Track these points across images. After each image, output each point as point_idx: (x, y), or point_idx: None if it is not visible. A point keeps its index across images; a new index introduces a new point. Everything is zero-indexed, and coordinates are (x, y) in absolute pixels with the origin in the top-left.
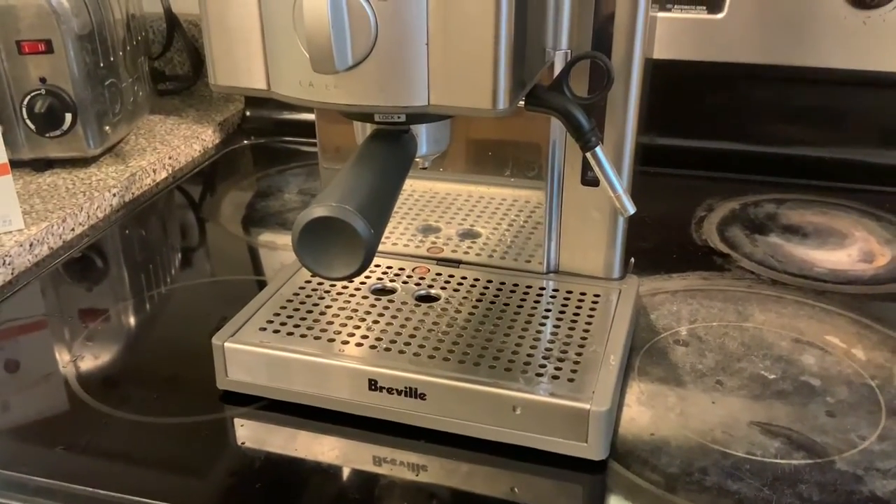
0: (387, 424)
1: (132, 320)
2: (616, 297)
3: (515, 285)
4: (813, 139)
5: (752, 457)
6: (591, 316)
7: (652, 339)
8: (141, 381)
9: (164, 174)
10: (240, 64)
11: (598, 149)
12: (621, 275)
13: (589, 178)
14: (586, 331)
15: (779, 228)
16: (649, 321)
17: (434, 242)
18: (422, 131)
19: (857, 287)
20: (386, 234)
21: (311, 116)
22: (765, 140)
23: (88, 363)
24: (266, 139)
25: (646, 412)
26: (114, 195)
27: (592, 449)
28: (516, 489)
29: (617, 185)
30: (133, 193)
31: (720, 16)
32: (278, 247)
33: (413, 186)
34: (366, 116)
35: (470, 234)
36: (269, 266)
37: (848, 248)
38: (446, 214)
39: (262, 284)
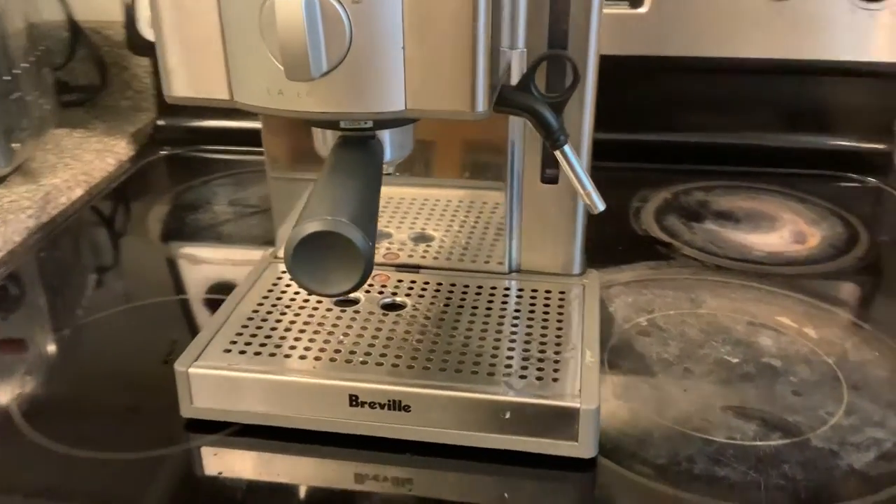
0: (369, 440)
1: (72, 349)
2: (581, 292)
3: (480, 287)
4: (735, 126)
5: (732, 441)
6: (560, 314)
7: (615, 332)
8: (93, 414)
9: (79, 191)
10: (198, 74)
11: (566, 147)
12: (581, 270)
13: (548, 176)
14: (559, 329)
15: (712, 215)
16: (608, 313)
17: (388, 248)
18: (386, 137)
19: (796, 268)
20: None
21: (231, 124)
22: (689, 129)
23: (32, 398)
24: (183, 149)
25: (623, 405)
26: (29, 216)
27: (583, 447)
28: (506, 494)
29: (586, 182)
30: (49, 214)
31: (642, 10)
32: (218, 262)
33: None
34: (332, 123)
35: (423, 238)
36: (213, 283)
37: (779, 231)
38: (394, 219)
39: (210, 303)
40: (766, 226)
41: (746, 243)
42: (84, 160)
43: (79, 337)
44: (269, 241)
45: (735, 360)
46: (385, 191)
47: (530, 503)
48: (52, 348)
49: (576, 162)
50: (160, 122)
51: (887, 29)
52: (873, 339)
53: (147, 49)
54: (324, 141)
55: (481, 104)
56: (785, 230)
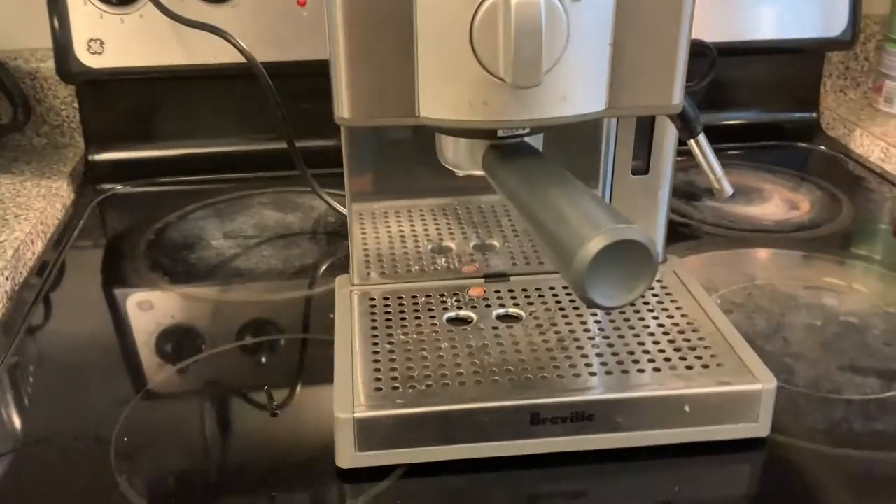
0: (539, 457)
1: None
2: (675, 277)
3: None
4: None
5: (866, 397)
6: (672, 301)
7: None
8: (228, 487)
9: (40, 244)
10: (381, 93)
11: (701, 135)
12: (664, 257)
13: (637, 168)
14: (683, 315)
15: (704, 193)
16: None
17: (460, 261)
18: (541, 139)
19: (809, 232)
20: (408, 261)
21: (168, 153)
22: None
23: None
24: (125, 185)
25: None
26: (6, 279)
27: (762, 427)
28: (677, 488)
29: (718, 168)
30: (21, 274)
31: None
32: (259, 300)
33: (412, 206)
34: (491, 133)
35: (486, 247)
36: (270, 323)
37: (773, 201)
38: (448, 231)
39: (278, 344)
40: (756, 197)
41: (752, 215)
42: (35, 208)
43: (154, 405)
44: (295, 272)
45: (819, 323)
46: (427, 203)
47: (712, 490)
48: (141, 413)
49: (709, 149)
50: (94, 158)
51: (794, 8)
52: None
53: (81, 76)
54: (470, 153)
55: (679, 96)
56: (775, 200)
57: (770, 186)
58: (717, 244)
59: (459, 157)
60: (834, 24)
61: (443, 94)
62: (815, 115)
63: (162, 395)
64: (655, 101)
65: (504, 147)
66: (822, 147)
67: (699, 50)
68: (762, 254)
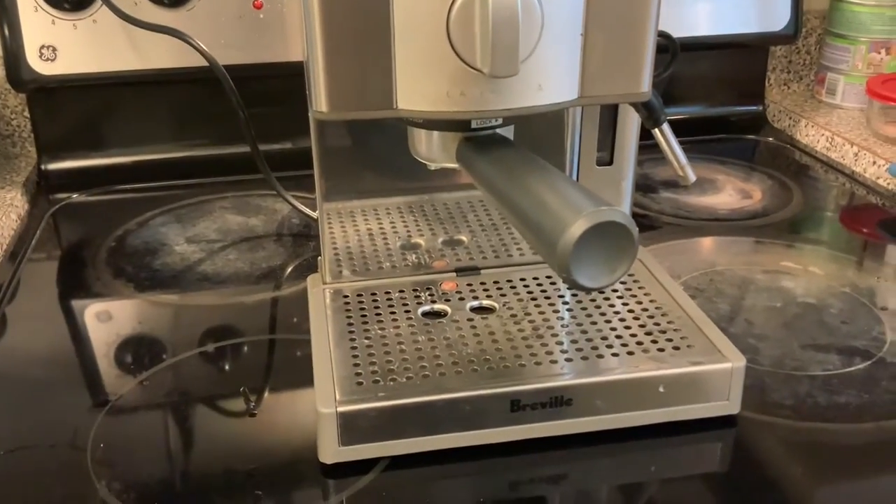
0: (518, 444)
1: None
2: (641, 265)
3: (549, 276)
4: None
5: (829, 372)
6: (641, 287)
7: None
8: (211, 488)
9: None
10: (360, 87)
11: (665, 125)
12: None
13: (601, 159)
14: (652, 301)
15: (660, 185)
16: None
17: (430, 256)
18: (512, 130)
19: (763, 219)
20: (378, 258)
21: (121, 160)
22: None
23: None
24: (81, 194)
25: None
26: None
27: (733, 404)
28: (653, 468)
29: (682, 156)
30: None
31: None
32: (230, 304)
33: (381, 204)
34: (464, 125)
35: (454, 242)
36: (242, 326)
37: (726, 191)
38: (415, 227)
39: (255, 346)
40: (710, 188)
41: (707, 205)
42: None
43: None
44: (263, 274)
45: (779, 305)
46: (395, 201)
47: (688, 468)
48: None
49: (673, 138)
50: (47, 167)
51: (738, 4)
52: (862, 264)
53: (33, 84)
54: (443, 146)
55: (647, 84)
56: (728, 189)
57: (722, 177)
58: (676, 233)
59: (433, 150)
60: (777, 19)
61: (420, 85)
62: (760, 108)
63: (138, 401)
64: (625, 89)
65: (478, 139)
66: (770, 139)
67: (659, 41)
68: (720, 241)
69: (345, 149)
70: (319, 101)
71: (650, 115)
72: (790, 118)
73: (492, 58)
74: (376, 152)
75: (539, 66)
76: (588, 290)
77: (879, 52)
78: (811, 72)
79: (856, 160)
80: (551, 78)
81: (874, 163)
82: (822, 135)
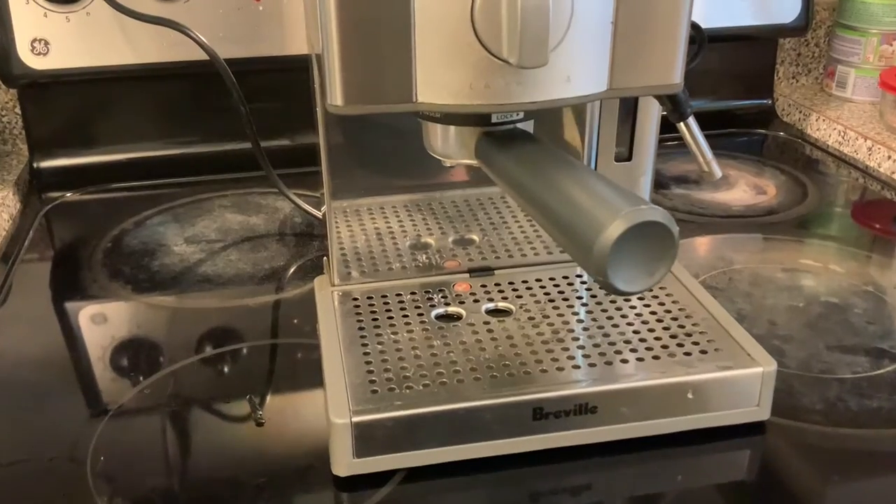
0: (541, 453)
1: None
2: None
3: (565, 277)
4: None
5: (858, 375)
6: (662, 288)
7: None
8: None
9: None
10: (377, 80)
11: (691, 118)
12: None
13: (620, 155)
14: (675, 302)
15: (671, 181)
16: None
17: (441, 256)
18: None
19: (778, 216)
20: (387, 258)
21: (115, 157)
22: None
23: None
24: (75, 192)
25: None
26: None
27: (763, 410)
28: (679, 477)
29: (707, 151)
30: None
31: None
32: (233, 307)
33: (388, 202)
34: (484, 119)
35: (465, 241)
36: (251, 329)
37: (739, 187)
38: (425, 227)
39: (263, 350)
40: (723, 184)
41: (721, 201)
42: None
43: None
44: (266, 275)
45: (801, 305)
46: (403, 199)
47: (716, 477)
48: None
49: (699, 132)
50: (39, 165)
51: None
52: (883, 262)
53: (24, 79)
54: (461, 142)
55: (679, 75)
56: (742, 185)
57: (735, 173)
58: (691, 231)
59: (449, 146)
60: (786, 10)
61: (442, 77)
62: (769, 101)
63: (139, 410)
64: (657, 80)
65: (498, 134)
66: (780, 133)
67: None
68: (736, 239)
69: (351, 144)
70: (335, 95)
71: (675, 108)
72: (800, 112)
73: (520, 47)
74: (384, 147)
75: (568, 57)
76: (625, 295)
77: (892, 44)
78: (820, 65)
79: (870, 155)
80: (580, 69)
81: (889, 157)
82: (834, 129)
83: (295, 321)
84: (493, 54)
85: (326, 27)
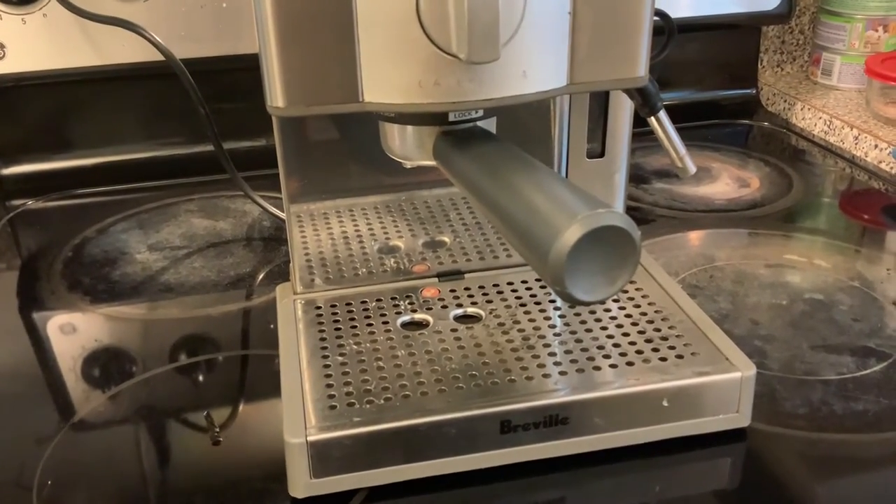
0: (511, 467)
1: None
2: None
3: (538, 280)
4: None
5: (843, 376)
6: (638, 289)
7: None
8: None
9: None
10: (320, 79)
11: (661, 112)
12: None
13: (592, 151)
14: (651, 303)
15: (652, 175)
16: None
17: (410, 260)
18: (493, 122)
19: (762, 209)
20: (354, 264)
21: (81, 162)
22: None
23: None
24: (37, 200)
25: None
26: None
27: (743, 416)
28: (657, 488)
29: (680, 146)
30: None
31: None
32: (195, 316)
33: (356, 204)
34: (441, 118)
35: (436, 244)
36: (211, 340)
37: (722, 179)
38: (394, 229)
39: (228, 362)
40: (705, 177)
41: (703, 195)
42: None
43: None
44: (231, 282)
45: (784, 303)
46: (370, 200)
47: (695, 487)
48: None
49: (671, 127)
50: (2, 172)
51: None
52: (870, 255)
53: None
54: (419, 142)
55: (644, 68)
56: (725, 178)
57: (718, 165)
58: (672, 227)
59: (407, 147)
60: None
61: (389, 75)
62: (753, 91)
63: (91, 428)
64: (619, 73)
65: (457, 133)
66: (765, 123)
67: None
68: (718, 234)
69: (314, 144)
70: (275, 96)
71: (645, 102)
72: (785, 101)
73: (469, 41)
74: (348, 147)
75: (522, 50)
76: (585, 304)
77: (877, 30)
78: (805, 52)
79: (856, 144)
80: (537, 63)
81: (876, 146)
82: (820, 118)
83: (261, 331)
84: (441, 49)
85: (263, 24)
